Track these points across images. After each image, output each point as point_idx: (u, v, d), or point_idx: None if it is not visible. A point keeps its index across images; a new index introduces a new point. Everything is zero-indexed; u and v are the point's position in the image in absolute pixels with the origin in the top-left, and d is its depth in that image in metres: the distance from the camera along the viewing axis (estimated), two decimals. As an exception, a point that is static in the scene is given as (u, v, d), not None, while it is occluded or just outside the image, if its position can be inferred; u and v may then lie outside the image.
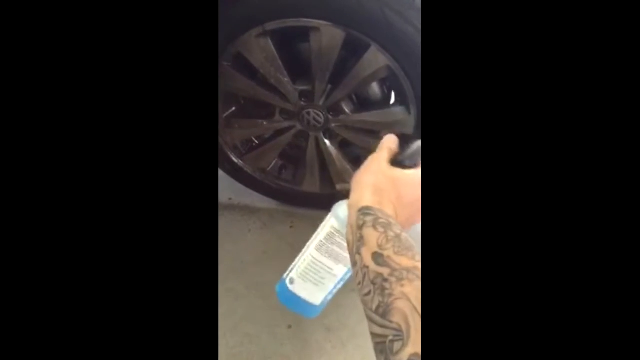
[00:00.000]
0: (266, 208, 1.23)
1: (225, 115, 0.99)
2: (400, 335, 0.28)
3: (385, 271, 0.33)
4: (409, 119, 0.89)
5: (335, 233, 0.51)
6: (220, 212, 1.21)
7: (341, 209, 0.49)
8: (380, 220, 0.38)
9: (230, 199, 1.27)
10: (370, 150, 0.50)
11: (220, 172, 1.12)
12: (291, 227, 1.16)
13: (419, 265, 0.33)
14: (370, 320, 0.32)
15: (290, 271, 0.56)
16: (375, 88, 0.94)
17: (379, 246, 0.36)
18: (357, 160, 1.12)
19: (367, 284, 0.34)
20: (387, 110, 0.92)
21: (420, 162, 0.46)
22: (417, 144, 0.48)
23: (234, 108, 1.02)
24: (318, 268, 0.53)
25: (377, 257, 0.35)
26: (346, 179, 1.04)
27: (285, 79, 0.87)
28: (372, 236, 0.37)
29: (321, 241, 0.52)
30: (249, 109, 1.04)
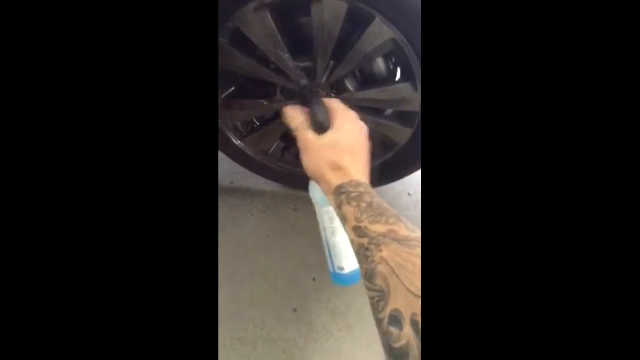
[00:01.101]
0: (269, 191, 1.21)
1: (224, 95, 0.96)
2: (382, 295, 0.31)
3: (365, 241, 0.36)
4: (416, 95, 0.85)
5: (328, 212, 0.54)
6: (222, 196, 1.19)
7: (315, 191, 0.52)
8: (352, 195, 0.41)
9: (232, 182, 1.25)
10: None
11: (222, 155, 1.09)
12: (295, 210, 1.14)
13: (394, 227, 0.36)
14: (365, 286, 0.35)
15: (332, 264, 0.59)
16: (380, 64, 0.90)
17: (356, 219, 0.39)
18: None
19: (357, 256, 0.38)
20: (392, 87, 0.88)
21: (330, 111, 0.48)
22: (319, 104, 0.48)
23: (233, 88, 0.98)
24: (348, 244, 0.55)
25: (357, 229, 0.38)
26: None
27: (286, 56, 0.83)
28: (349, 212, 0.40)
29: (331, 227, 0.55)
30: (249, 88, 1.01)
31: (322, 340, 0.84)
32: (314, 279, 0.96)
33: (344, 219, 0.41)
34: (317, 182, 0.48)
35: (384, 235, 0.35)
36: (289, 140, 1.09)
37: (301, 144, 0.49)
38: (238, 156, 1.07)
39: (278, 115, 0.97)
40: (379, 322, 0.31)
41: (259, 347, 0.82)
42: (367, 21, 0.76)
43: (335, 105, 0.50)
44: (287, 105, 0.50)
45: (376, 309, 0.32)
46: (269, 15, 0.78)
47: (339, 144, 0.46)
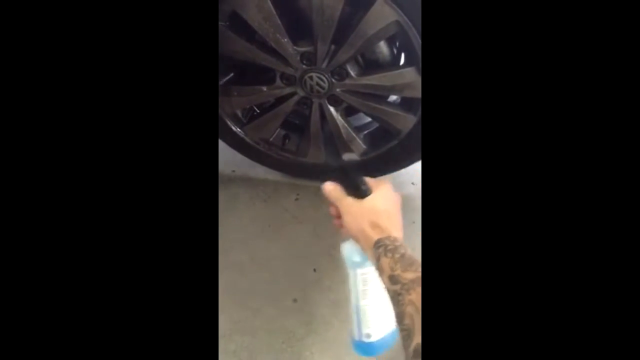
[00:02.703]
0: (270, 180, 1.19)
1: (222, 81, 0.93)
2: (409, 333, 0.36)
3: (397, 287, 0.42)
4: (420, 81, 0.82)
5: (362, 274, 0.56)
6: (223, 185, 1.18)
7: (349, 252, 0.56)
8: (389, 248, 0.47)
9: (233, 171, 1.24)
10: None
11: (223, 144, 1.07)
12: (296, 199, 1.13)
13: (420, 274, 0.41)
14: (397, 327, 0.40)
15: (359, 330, 0.59)
16: (383, 47, 0.87)
17: (391, 269, 0.45)
18: (362, 129, 1.06)
19: (391, 301, 0.43)
20: (396, 72, 0.85)
21: (369, 180, 0.56)
22: (358, 175, 0.56)
23: (232, 74, 0.96)
24: (378, 309, 0.58)
25: (391, 278, 0.44)
26: (352, 148, 0.99)
27: (285, 40, 0.80)
28: (385, 263, 0.46)
29: (362, 290, 0.57)
30: (248, 74, 0.98)
31: (322, 331, 0.83)
32: (314, 270, 0.95)
33: (380, 269, 0.47)
34: (357, 239, 0.53)
35: (412, 281, 0.41)
36: (290, 127, 1.06)
37: (343, 209, 0.56)
38: (238, 144, 1.05)
39: (278, 102, 0.94)
40: (407, 356, 0.35)
41: (259, 336, 0.82)
42: (369, 3, 0.73)
43: (369, 179, 0.59)
44: (325, 182, 0.59)
45: (405, 345, 0.36)
46: (267, -3, 0.75)
47: (378, 206, 0.53)
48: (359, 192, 0.55)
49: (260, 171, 1.20)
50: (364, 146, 1.00)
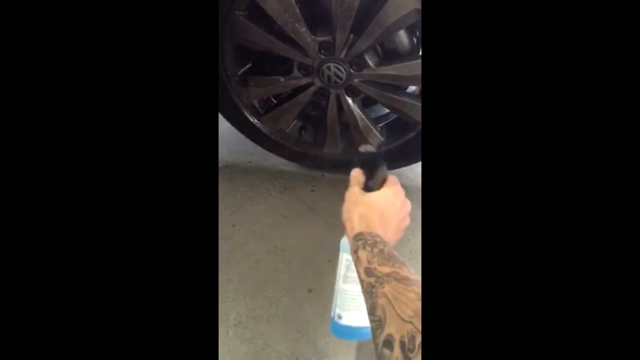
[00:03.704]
0: (287, 171, 1.20)
1: (240, 72, 0.93)
2: (380, 324, 0.36)
3: (372, 280, 0.42)
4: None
5: (350, 263, 0.57)
6: (240, 175, 1.19)
7: (346, 242, 0.56)
8: (369, 242, 0.48)
9: (250, 162, 1.25)
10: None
11: (241, 135, 1.08)
12: (312, 190, 1.13)
13: (397, 269, 0.42)
14: (369, 318, 0.40)
15: (334, 309, 0.62)
16: (402, 37, 0.85)
17: (368, 262, 0.45)
18: (379, 120, 1.05)
19: (364, 293, 0.43)
20: (416, 62, 0.83)
21: (384, 181, 0.58)
22: (381, 168, 0.58)
23: (249, 64, 0.96)
24: (354, 296, 0.59)
25: (367, 270, 0.44)
26: (369, 140, 0.98)
27: (303, 29, 0.79)
28: (363, 255, 0.47)
29: (345, 274, 0.59)
30: (266, 64, 0.98)
31: (337, 321, 0.84)
32: (329, 260, 0.95)
33: (358, 261, 0.47)
34: (345, 226, 0.54)
35: (387, 274, 0.41)
36: (307, 119, 1.06)
37: (347, 193, 0.57)
38: (255, 135, 1.06)
39: (295, 93, 0.94)
40: (376, 347, 0.35)
41: (274, 325, 0.83)
42: (390, -10, 0.71)
43: (393, 178, 0.60)
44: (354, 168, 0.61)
45: (375, 336, 0.36)
46: (285, -14, 0.74)
47: (376, 204, 0.54)
48: (368, 186, 0.56)
49: (276, 162, 1.21)
50: (381, 138, 0.99)
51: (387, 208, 0.54)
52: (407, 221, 0.57)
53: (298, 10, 0.77)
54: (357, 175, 0.60)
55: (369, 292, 0.42)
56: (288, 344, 0.80)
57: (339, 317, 0.61)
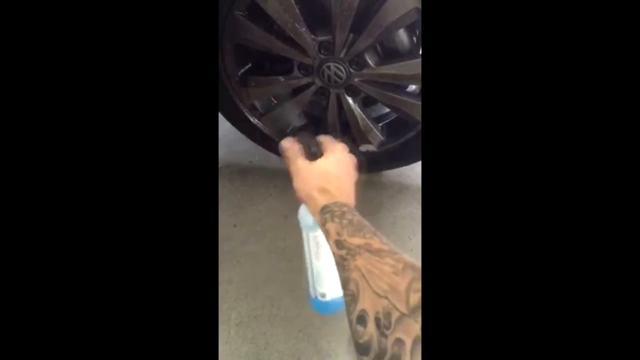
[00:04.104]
0: (287, 170, 1.20)
1: (240, 72, 0.94)
2: (353, 298, 0.35)
3: (343, 252, 0.40)
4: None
5: (315, 236, 0.55)
6: (240, 175, 1.19)
7: (304, 214, 0.54)
8: (336, 213, 0.46)
9: (250, 162, 1.25)
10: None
11: (241, 135, 1.08)
12: (313, 190, 1.13)
13: (369, 240, 0.40)
14: (342, 292, 0.38)
15: (314, 289, 0.61)
16: (402, 36, 0.85)
17: (337, 234, 0.43)
18: (380, 119, 1.05)
19: (337, 266, 0.41)
20: (416, 61, 0.83)
21: (322, 144, 0.55)
22: (308, 135, 0.55)
23: (249, 64, 0.96)
24: (330, 269, 0.57)
25: (337, 242, 0.42)
26: (370, 139, 0.98)
27: (303, 29, 0.79)
28: (332, 228, 0.45)
29: (315, 251, 0.57)
30: (266, 65, 0.98)
31: (338, 320, 0.84)
32: (331, 260, 0.95)
33: (327, 234, 0.45)
34: (306, 203, 0.52)
35: (359, 246, 0.39)
36: (307, 118, 1.06)
37: (293, 169, 0.54)
38: (255, 135, 1.06)
39: (295, 93, 0.94)
40: (350, 322, 0.34)
41: (276, 324, 0.83)
42: (389, -11, 0.71)
43: (325, 138, 0.57)
44: (282, 139, 0.58)
45: (348, 311, 0.35)
46: (285, -14, 0.74)
47: (327, 170, 0.51)
48: (310, 154, 0.53)
49: (277, 162, 1.21)
50: (382, 137, 0.99)
51: (341, 171, 0.52)
52: (355, 175, 0.55)
53: (298, 10, 0.77)
54: (291, 146, 0.55)
55: (341, 265, 0.40)
56: (290, 344, 0.80)
57: (323, 295, 0.59)
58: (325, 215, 0.47)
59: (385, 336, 0.29)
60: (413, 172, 1.18)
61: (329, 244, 0.44)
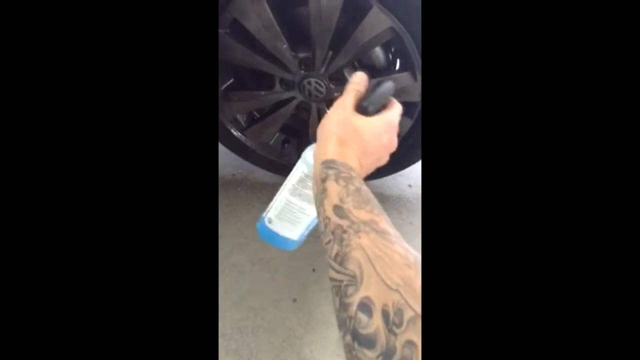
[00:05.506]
0: (270, 183, 1.21)
1: (223, 87, 0.96)
2: (354, 281, 0.31)
3: (344, 223, 0.36)
4: (415, 86, 0.85)
5: (305, 178, 0.52)
6: (223, 188, 1.20)
7: (309, 155, 0.50)
8: (342, 174, 0.40)
9: (233, 174, 1.26)
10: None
11: (223, 148, 1.10)
12: (295, 202, 1.15)
13: (376, 218, 0.35)
14: (330, 266, 0.35)
15: (268, 211, 0.58)
16: (379, 54, 0.90)
17: (340, 199, 0.38)
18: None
19: (328, 234, 0.37)
20: (392, 77, 0.88)
21: (385, 105, 0.48)
22: (383, 87, 0.47)
23: (232, 80, 0.98)
24: (293, 209, 0.55)
25: (338, 209, 0.37)
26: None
27: (284, 46, 0.83)
28: (334, 189, 0.39)
29: (294, 185, 0.54)
30: (248, 80, 1.01)
31: (322, 330, 0.85)
32: (313, 270, 0.96)
33: (325, 193, 0.39)
34: (318, 143, 0.46)
35: (365, 222, 0.35)
36: (289, 132, 1.09)
37: (337, 103, 0.47)
38: (238, 148, 1.08)
39: (277, 107, 0.97)
40: (344, 306, 0.31)
41: (260, 335, 0.83)
42: (365, 10, 0.76)
43: (395, 106, 0.49)
44: (359, 71, 0.50)
45: (343, 293, 0.31)
46: (266, 6, 0.78)
47: (362, 132, 0.45)
48: (363, 106, 0.46)
49: (260, 175, 1.23)
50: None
51: (372, 141, 0.45)
52: (384, 160, 0.49)
53: (278, 29, 0.81)
54: (358, 84, 0.48)
55: (339, 236, 0.35)
56: (274, 354, 0.81)
57: (269, 221, 0.57)
58: (329, 170, 0.41)
59: (395, 334, 0.27)
60: (392, 183, 1.22)
61: (325, 206, 0.39)
